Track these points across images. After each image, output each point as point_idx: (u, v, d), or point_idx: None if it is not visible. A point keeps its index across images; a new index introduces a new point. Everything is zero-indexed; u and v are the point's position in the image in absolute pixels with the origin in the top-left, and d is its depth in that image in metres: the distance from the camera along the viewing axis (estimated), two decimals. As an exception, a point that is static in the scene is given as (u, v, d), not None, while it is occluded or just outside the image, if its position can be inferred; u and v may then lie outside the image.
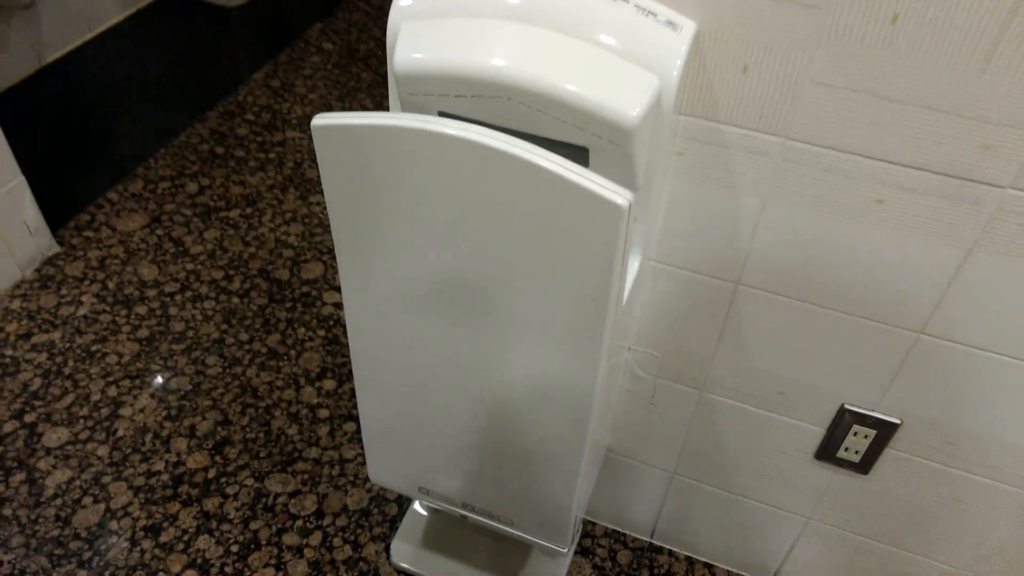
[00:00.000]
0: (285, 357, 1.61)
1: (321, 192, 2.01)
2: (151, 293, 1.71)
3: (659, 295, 1.01)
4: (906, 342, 0.93)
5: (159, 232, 1.85)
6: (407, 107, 0.85)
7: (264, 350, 1.63)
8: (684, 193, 0.89)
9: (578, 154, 0.83)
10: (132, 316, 1.66)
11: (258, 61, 2.35)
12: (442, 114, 0.84)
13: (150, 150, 2.04)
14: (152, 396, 1.52)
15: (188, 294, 1.72)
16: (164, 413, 1.49)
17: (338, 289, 1.77)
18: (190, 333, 1.64)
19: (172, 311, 1.68)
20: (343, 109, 2.22)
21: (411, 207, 0.78)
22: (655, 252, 0.96)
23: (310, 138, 2.14)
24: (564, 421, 0.89)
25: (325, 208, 1.94)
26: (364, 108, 2.24)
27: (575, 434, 0.89)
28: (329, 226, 1.89)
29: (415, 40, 0.78)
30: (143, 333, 1.63)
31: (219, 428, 1.48)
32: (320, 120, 0.74)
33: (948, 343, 0.91)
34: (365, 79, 2.34)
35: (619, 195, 0.68)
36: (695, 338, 1.04)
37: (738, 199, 0.88)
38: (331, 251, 1.85)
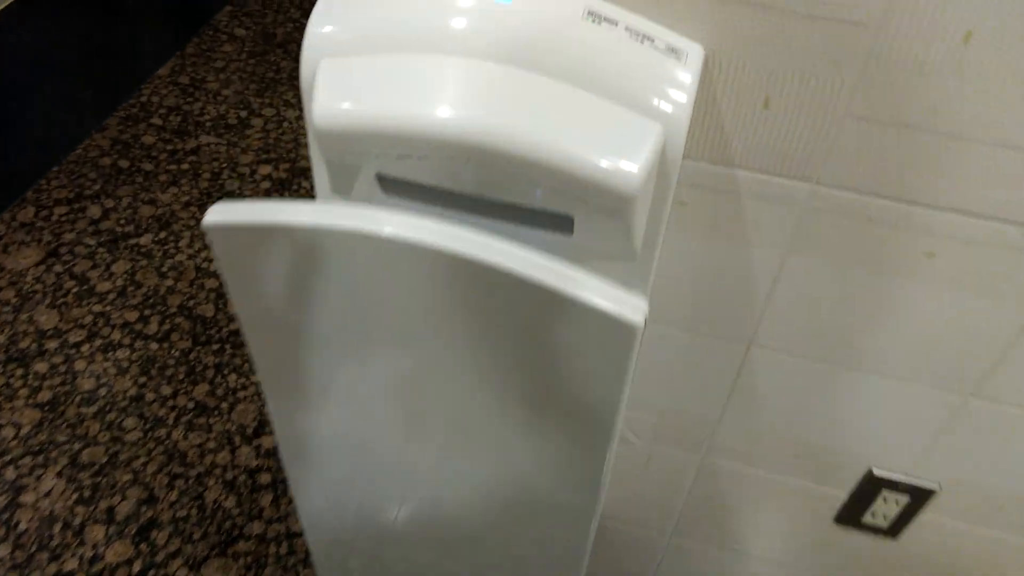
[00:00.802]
0: (216, 412, 1.41)
1: (244, 207, 1.78)
2: (52, 345, 1.48)
3: (655, 356, 0.84)
4: (951, 405, 0.78)
5: (58, 269, 1.61)
6: (333, 168, 0.65)
7: (191, 405, 1.42)
8: (685, 246, 0.72)
9: (559, 220, 0.64)
10: (30, 376, 1.43)
11: (162, 54, 2.07)
12: (381, 179, 0.65)
13: (41, 169, 1.77)
14: (60, 475, 1.30)
15: (97, 343, 1.50)
16: (75, 496, 1.28)
17: (272, 322, 1.56)
18: (102, 391, 1.42)
19: (79, 365, 1.46)
20: (262, 105, 1.98)
21: (352, 320, 0.59)
22: (649, 310, 0.79)
23: (228, 143, 1.90)
24: (559, 539, 0.72)
25: (250, 226, 1.72)
26: (287, 103, 2.00)
27: (572, 552, 0.73)
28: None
29: (340, 85, 0.59)
30: (44, 396, 1.41)
31: (143, 508, 1.28)
32: (214, 217, 0.54)
33: (1001, 406, 0.76)
34: (285, 68, 2.10)
35: (633, 309, 0.50)
36: (698, 401, 0.88)
37: (752, 252, 0.71)
38: (260, 278, 1.64)
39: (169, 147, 1.89)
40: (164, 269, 1.65)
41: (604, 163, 0.56)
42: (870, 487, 0.89)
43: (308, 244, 0.54)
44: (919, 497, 0.88)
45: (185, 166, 1.85)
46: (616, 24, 0.58)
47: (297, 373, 0.66)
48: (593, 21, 0.57)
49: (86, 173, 1.82)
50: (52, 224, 1.71)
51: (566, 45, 0.57)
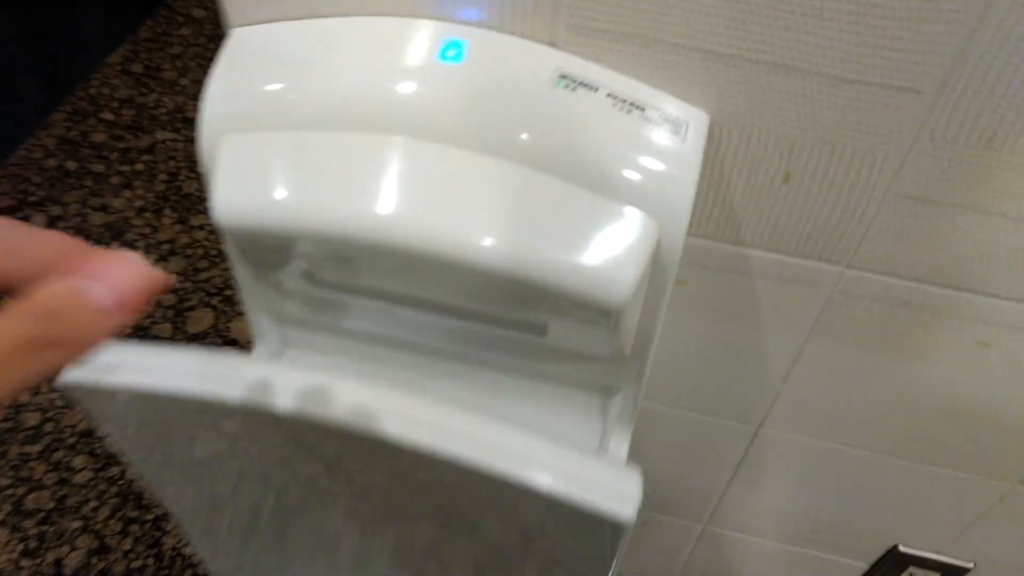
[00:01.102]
0: (174, 447, 1.29)
1: (206, 212, 1.65)
2: (-5, 375, 1.36)
3: (650, 433, 0.73)
4: (999, 491, 0.67)
5: None
6: (251, 264, 0.53)
7: (147, 440, 1.31)
8: (687, 325, 0.61)
9: (529, 324, 0.53)
10: (-28, 411, 1.32)
11: (112, 40, 1.91)
12: (308, 278, 0.53)
13: (-19, 174, 1.63)
14: (3, 524, 1.20)
15: (44, 371, 1.37)
16: (19, 548, 1.18)
17: (233, 342, 1.45)
18: (48, 427, 1.31)
19: (23, 397, 1.34)
20: (224, 95, 1.83)
21: (262, 497, 0.48)
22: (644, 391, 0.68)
23: (187, 140, 1.75)
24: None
25: (212, 234, 1.59)
26: (250, 91, 1.85)
27: None
28: (219, 259, 1.54)
29: (248, 171, 0.46)
30: (-13, 434, 1.30)
31: (94, 559, 1.18)
32: (72, 378, 0.42)
33: (1054, 495, 0.66)
34: (248, 52, 1.94)
35: (622, 499, 0.39)
36: (698, 476, 0.77)
37: (767, 335, 0.59)
38: (221, 292, 1.52)
39: (121, 145, 1.75)
40: (117, 284, 1.51)
41: (584, 272, 0.43)
42: (895, 563, 0.79)
43: (184, 409, 0.42)
44: (952, 574, 0.78)
45: (139, 166, 1.71)
46: (596, 90, 0.45)
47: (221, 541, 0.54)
48: (567, 87, 0.45)
49: (29, 177, 1.68)
50: (-6, 236, 1.57)
51: (533, 118, 0.44)
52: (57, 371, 0.20)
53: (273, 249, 0.49)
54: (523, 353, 0.58)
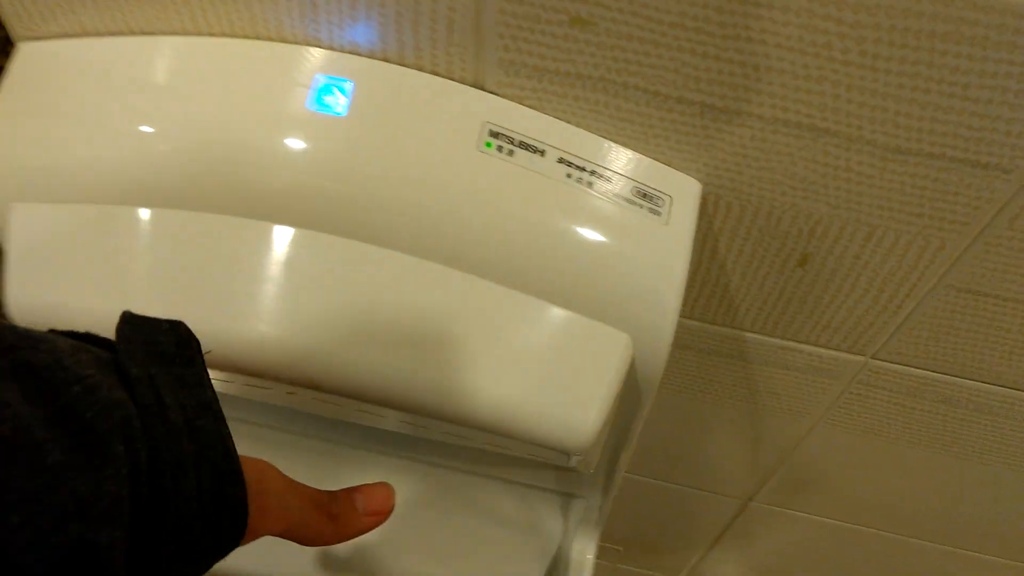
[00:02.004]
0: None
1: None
2: None
3: (632, 500, 0.62)
4: (1017, 569, 0.58)
5: None
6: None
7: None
8: (673, 403, 0.49)
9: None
10: None
11: None
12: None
13: None
14: None
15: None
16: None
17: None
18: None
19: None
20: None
21: None
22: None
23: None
24: None
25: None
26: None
27: None
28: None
29: (46, 259, 0.32)
30: None
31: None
32: None
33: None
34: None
35: None
36: (678, 540, 0.67)
37: (766, 421, 0.48)
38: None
39: None
40: None
41: (538, 416, 0.31)
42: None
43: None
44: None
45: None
46: (542, 153, 0.31)
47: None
48: (501, 149, 0.31)
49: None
50: None
51: (450, 198, 0.31)
52: (321, 540, 0.26)
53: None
54: (475, 459, 0.46)
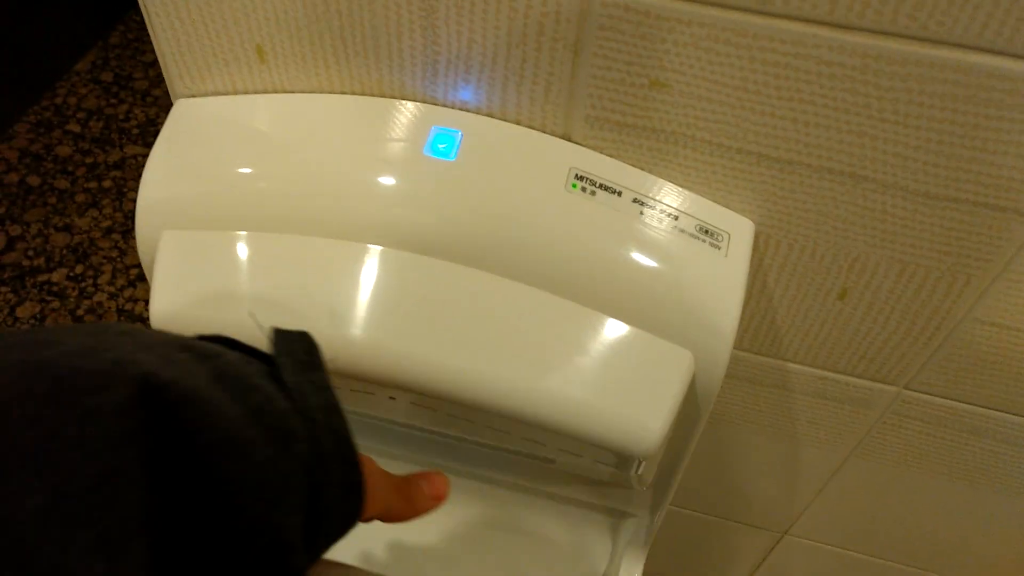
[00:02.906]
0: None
1: (175, 234, 1.55)
2: (-56, 413, 1.26)
3: (669, 534, 0.65)
4: (1049, 615, 0.60)
5: (-46, 315, 1.38)
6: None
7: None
8: (711, 434, 0.53)
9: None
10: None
11: (81, 46, 1.80)
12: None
13: (-64, 190, 1.53)
14: None
15: None
16: None
17: (206, 378, 1.35)
18: (3, 471, 1.21)
19: None
20: (199, 106, 1.73)
21: None
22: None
23: (157, 153, 1.65)
24: None
25: (182, 257, 1.49)
26: (227, 102, 1.75)
27: None
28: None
29: (189, 277, 0.38)
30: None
31: None
32: None
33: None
34: (226, 60, 1.84)
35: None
36: (713, 574, 0.70)
37: (802, 450, 0.52)
38: (193, 323, 1.42)
39: (88, 160, 1.65)
40: (80, 312, 1.42)
41: (608, 418, 0.35)
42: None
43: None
44: None
45: (107, 183, 1.61)
46: (619, 194, 0.36)
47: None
48: (584, 190, 0.36)
49: (-11, 193, 1.58)
50: (-52, 258, 1.47)
51: (543, 229, 0.36)
52: (399, 519, 0.29)
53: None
54: (527, 475, 0.50)
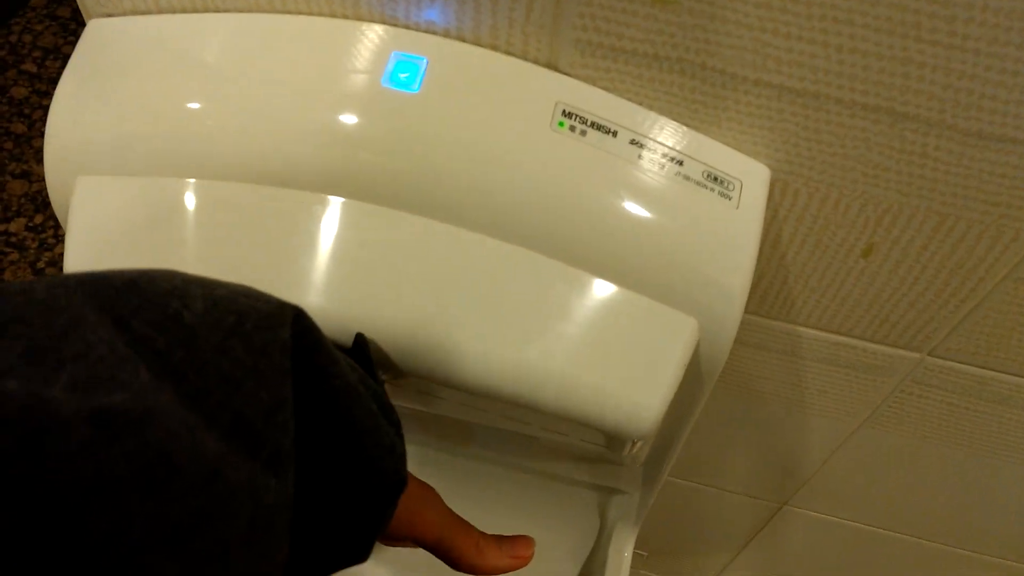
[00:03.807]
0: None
1: (140, 182, 1.48)
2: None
3: (662, 504, 0.61)
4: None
5: (-94, 268, 1.31)
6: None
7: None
8: (719, 404, 0.48)
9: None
10: None
11: (35, -22, 1.69)
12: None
13: None
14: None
15: (-44, 366, 1.22)
16: None
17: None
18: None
19: None
20: (164, 45, 1.64)
21: None
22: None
23: (119, 96, 1.57)
24: None
25: (148, 206, 1.42)
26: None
27: None
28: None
29: (111, 233, 0.32)
30: None
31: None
32: None
33: None
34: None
35: None
36: (705, 544, 0.66)
37: (812, 421, 0.47)
38: (161, 275, 1.36)
39: (45, 102, 1.55)
40: (41, 264, 1.36)
41: (601, 399, 0.30)
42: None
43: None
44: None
45: (66, 127, 1.52)
46: (614, 134, 0.31)
47: None
48: (573, 129, 0.31)
49: (-59, 138, 1.49)
50: (-101, 207, 1.39)
51: (524, 176, 0.30)
52: (464, 562, 0.30)
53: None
54: (517, 451, 0.46)
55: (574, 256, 0.31)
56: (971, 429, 0.44)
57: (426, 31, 0.31)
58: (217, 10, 0.32)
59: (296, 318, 0.22)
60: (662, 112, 0.31)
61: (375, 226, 0.31)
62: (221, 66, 0.31)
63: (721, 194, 0.32)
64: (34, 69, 1.58)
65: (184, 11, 0.33)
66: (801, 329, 0.40)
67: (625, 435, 0.32)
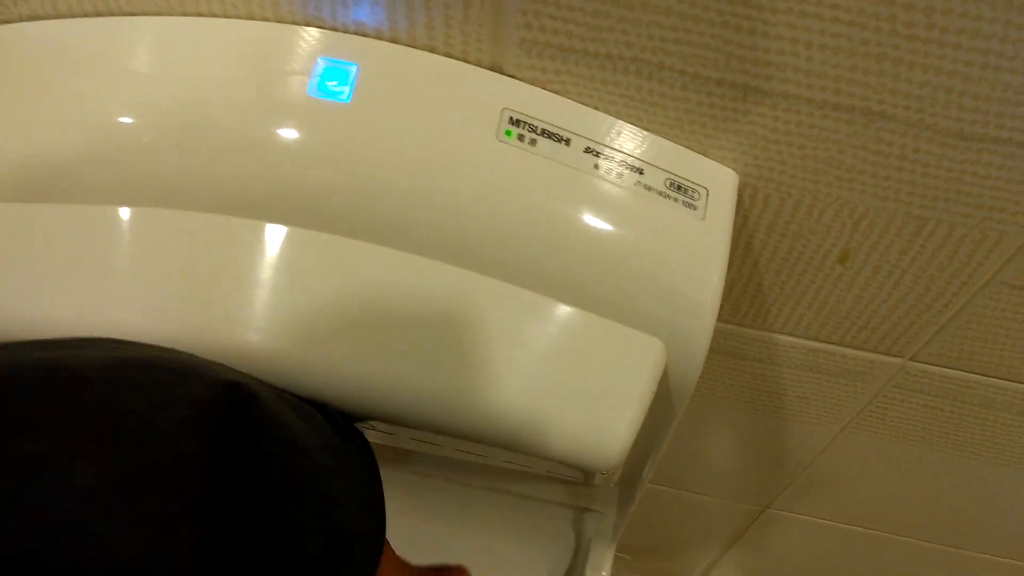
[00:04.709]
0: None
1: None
2: None
3: (644, 509, 0.59)
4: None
5: None
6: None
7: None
8: (697, 410, 0.46)
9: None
10: None
11: None
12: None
13: None
14: None
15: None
16: None
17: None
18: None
19: None
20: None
21: None
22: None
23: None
24: None
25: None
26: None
27: None
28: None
29: (12, 266, 0.29)
30: None
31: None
32: None
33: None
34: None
35: None
36: (688, 547, 0.64)
37: (790, 427, 0.45)
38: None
39: None
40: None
41: (565, 435, 0.28)
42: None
43: None
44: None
45: None
46: (567, 142, 0.28)
47: None
48: (521, 138, 0.28)
49: None
50: None
51: (465, 192, 0.28)
52: None
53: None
54: (486, 474, 0.43)
55: (528, 278, 0.28)
56: (955, 432, 0.43)
57: (355, 33, 0.28)
58: (124, 13, 0.29)
59: (226, 381, 0.21)
60: (619, 116, 0.29)
61: (309, 254, 0.28)
62: (129, 77, 0.28)
63: (686, 204, 0.29)
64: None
65: (86, 14, 0.30)
66: (777, 336, 0.38)
67: (592, 469, 0.29)
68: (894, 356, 0.38)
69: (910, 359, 0.38)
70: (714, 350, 0.40)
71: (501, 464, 0.36)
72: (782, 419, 0.44)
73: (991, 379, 0.38)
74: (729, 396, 0.43)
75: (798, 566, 0.63)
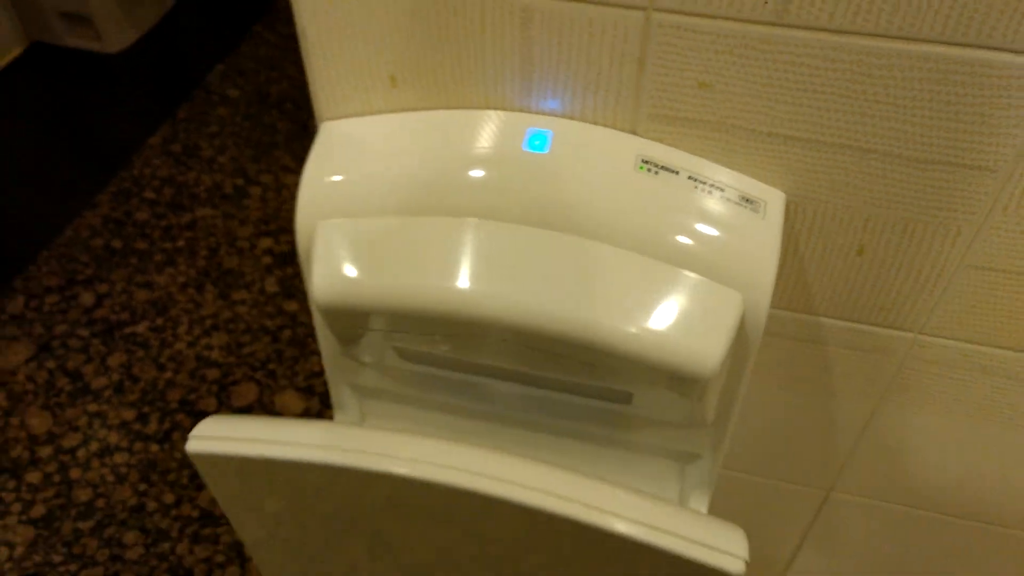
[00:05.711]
0: (223, 521, 1.30)
1: (246, 287, 1.68)
2: (45, 452, 1.38)
3: (718, 500, 0.73)
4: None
5: (49, 365, 1.51)
6: (342, 338, 0.55)
7: (196, 514, 1.31)
8: (760, 393, 0.61)
9: (615, 392, 0.54)
10: (23, 488, 1.33)
11: (152, 121, 1.98)
12: (394, 351, 0.54)
13: (29, 254, 1.68)
14: (56, 606, 1.20)
15: (93, 447, 1.39)
16: (73, 630, 1.18)
17: (277, 416, 1.46)
18: (100, 502, 1.32)
19: (74, 474, 1.35)
20: (259, 172, 1.89)
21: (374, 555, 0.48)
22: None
23: (224, 215, 1.80)
24: None
25: (253, 308, 1.62)
26: (285, 168, 1.90)
27: None
28: (261, 333, 1.58)
29: (343, 252, 0.48)
30: (39, 511, 1.31)
31: (146, 640, 1.17)
32: (197, 445, 0.43)
33: None
34: (282, 130, 2.00)
35: (733, 558, 0.39)
36: (765, 542, 0.77)
37: (838, 402, 0.60)
38: (264, 366, 1.54)
39: (163, 223, 1.80)
40: (162, 360, 1.54)
41: (674, 343, 0.45)
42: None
43: (307, 477, 0.44)
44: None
45: (180, 243, 1.75)
46: (677, 172, 0.47)
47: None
48: (649, 170, 0.47)
49: (77, 256, 1.72)
50: (43, 315, 1.61)
51: (617, 201, 0.46)
52: None
53: (363, 325, 0.51)
54: (603, 421, 0.59)
55: (653, 253, 0.46)
56: (967, 399, 0.57)
57: (550, 115, 0.48)
58: (409, 109, 0.50)
59: None
60: (708, 158, 0.47)
61: (513, 237, 0.47)
62: (412, 146, 0.49)
63: (752, 210, 0.47)
64: (153, 196, 1.84)
65: (386, 112, 0.50)
66: (820, 319, 0.55)
67: (696, 375, 0.46)
68: (907, 331, 0.54)
69: (919, 332, 0.54)
70: (776, 334, 0.56)
71: (626, 391, 0.52)
72: (829, 393, 0.59)
73: (982, 347, 0.53)
74: (786, 374, 0.59)
75: (874, 553, 0.75)
